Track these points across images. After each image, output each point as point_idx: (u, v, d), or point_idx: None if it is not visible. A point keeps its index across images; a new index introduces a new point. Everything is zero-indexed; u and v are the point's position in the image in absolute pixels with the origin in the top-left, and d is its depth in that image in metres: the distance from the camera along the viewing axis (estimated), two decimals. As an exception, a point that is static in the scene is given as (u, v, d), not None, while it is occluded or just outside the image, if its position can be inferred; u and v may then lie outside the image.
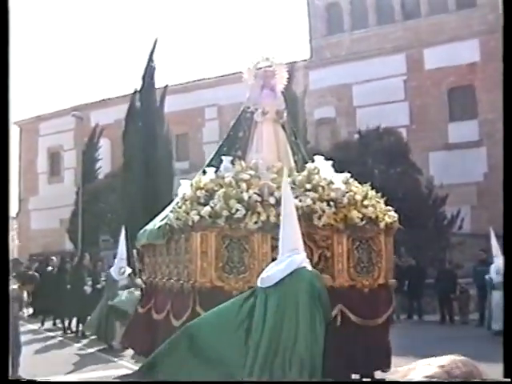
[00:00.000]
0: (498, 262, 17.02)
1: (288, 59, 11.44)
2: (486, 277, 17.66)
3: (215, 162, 10.31)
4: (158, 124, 31.23)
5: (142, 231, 11.73)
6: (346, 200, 9.36)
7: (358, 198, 9.52)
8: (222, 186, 9.21)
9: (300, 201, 9.00)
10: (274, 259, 7.78)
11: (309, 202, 9.04)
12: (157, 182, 28.64)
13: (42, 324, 20.79)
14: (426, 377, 1.80)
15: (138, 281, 15.19)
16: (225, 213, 8.84)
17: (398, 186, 22.48)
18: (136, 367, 12.82)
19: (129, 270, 16.05)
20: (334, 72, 35.32)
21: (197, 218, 8.86)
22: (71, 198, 36.11)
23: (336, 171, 10.04)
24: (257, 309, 6.83)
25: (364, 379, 9.58)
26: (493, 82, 30.10)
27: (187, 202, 9.25)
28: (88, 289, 18.54)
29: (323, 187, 9.37)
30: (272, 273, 6.88)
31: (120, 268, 16.02)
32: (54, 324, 20.69)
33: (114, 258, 17.16)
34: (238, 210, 8.85)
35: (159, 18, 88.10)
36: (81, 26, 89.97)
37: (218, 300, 8.64)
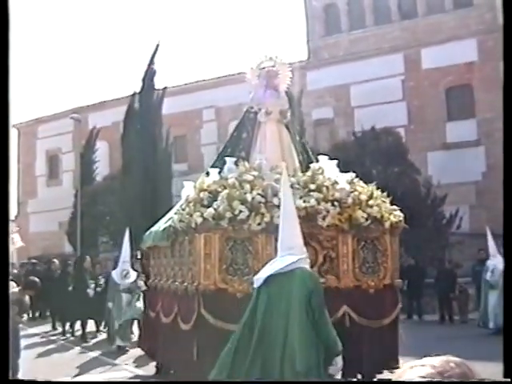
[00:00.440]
0: (495, 261, 17.06)
1: (286, 60, 11.35)
2: (486, 277, 17.65)
3: (219, 164, 10.29)
4: (157, 126, 31.25)
5: (147, 233, 11.72)
6: (350, 200, 9.34)
7: (363, 197, 9.50)
8: (225, 188, 9.17)
9: (304, 201, 8.98)
10: None
11: (313, 202, 9.01)
12: (155, 184, 28.66)
13: (54, 327, 20.77)
14: (419, 377, 1.79)
15: (140, 283, 15.19)
16: (228, 214, 8.82)
17: (396, 185, 22.45)
18: (138, 371, 12.91)
19: (133, 273, 15.85)
20: (331, 72, 35.34)
21: (200, 219, 8.84)
22: (70, 201, 36.11)
23: (339, 171, 10.01)
24: (248, 308, 6.80)
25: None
26: (490, 81, 30.17)
27: (190, 204, 9.23)
28: (91, 291, 18.44)
29: (327, 187, 9.34)
30: (263, 272, 6.80)
31: (123, 271, 15.79)
32: (54, 327, 20.67)
33: (116, 260, 17.01)
34: (241, 211, 8.83)
35: (156, 20, 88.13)
36: (79, 29, 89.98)
37: (222, 302, 8.67)
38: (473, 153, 31.46)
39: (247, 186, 9.05)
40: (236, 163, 9.84)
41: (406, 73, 34.15)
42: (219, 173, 9.85)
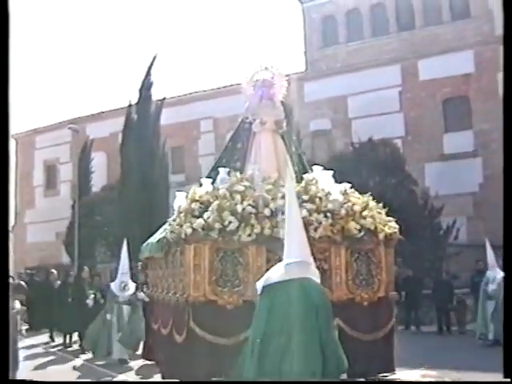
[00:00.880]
0: (494, 272, 17.06)
1: (282, 70, 11.31)
2: (486, 288, 17.59)
3: (214, 174, 10.22)
4: (155, 137, 31.31)
5: (145, 244, 11.70)
6: (343, 211, 9.24)
7: (357, 208, 9.39)
8: (217, 198, 9.10)
9: None
10: None
11: (304, 213, 8.84)
12: (153, 194, 28.70)
13: (52, 338, 20.63)
14: None
15: (141, 295, 15.10)
16: (217, 225, 8.75)
17: (393, 197, 22.47)
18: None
19: (132, 285, 15.63)
20: (329, 84, 35.39)
21: (189, 230, 8.78)
22: (67, 211, 36.10)
23: (335, 182, 9.93)
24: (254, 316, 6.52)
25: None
26: (488, 92, 30.27)
27: (181, 215, 9.19)
28: (90, 302, 18.28)
29: (320, 198, 9.27)
30: (261, 280, 6.54)
31: (121, 283, 15.45)
32: (52, 338, 20.60)
33: (114, 272, 16.78)
34: (230, 222, 8.76)
35: (154, 30, 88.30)
36: (77, 40, 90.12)
37: (212, 314, 8.57)
38: (470, 164, 31.49)
39: (238, 197, 8.99)
40: (229, 174, 9.78)
41: (403, 84, 34.20)
42: (212, 183, 9.80)
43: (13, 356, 10.14)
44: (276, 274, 6.38)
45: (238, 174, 9.61)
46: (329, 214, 9.15)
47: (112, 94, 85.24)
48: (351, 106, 35.07)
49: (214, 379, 7.79)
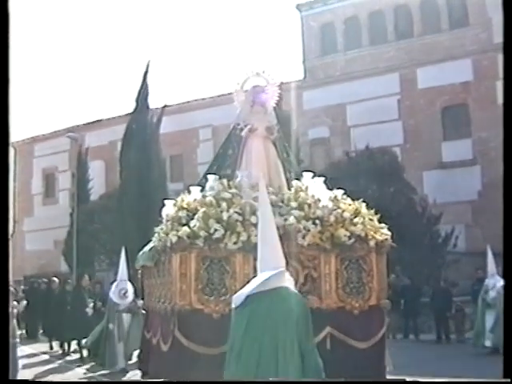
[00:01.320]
0: (494, 279, 17.03)
1: (282, 79, 11.21)
2: (485, 296, 17.53)
3: (204, 181, 10.08)
4: (153, 145, 31.34)
5: (140, 253, 11.67)
6: (332, 218, 9.10)
7: (347, 215, 9.23)
8: (205, 206, 9.01)
9: (285, 219, 8.80)
10: None
11: (292, 220, 8.77)
12: (151, 203, 28.65)
13: (51, 347, 20.52)
14: None
15: (141, 302, 15.06)
16: (203, 233, 8.62)
17: (392, 204, 22.49)
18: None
19: (132, 292, 15.60)
20: (327, 92, 35.43)
21: (175, 238, 8.67)
22: (66, 220, 36.07)
23: (330, 189, 9.75)
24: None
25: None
26: (486, 100, 30.31)
27: (168, 223, 9.12)
28: (90, 310, 18.21)
29: (309, 205, 9.13)
30: (240, 292, 6.18)
31: (121, 290, 15.45)
32: (51, 347, 20.52)
33: (113, 280, 16.68)
34: (216, 230, 8.62)
35: (153, 39, 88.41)
36: (76, 48, 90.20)
37: (198, 323, 8.47)
38: (468, 172, 31.49)
39: (224, 205, 8.86)
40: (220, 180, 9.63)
41: (401, 92, 34.24)
42: (202, 191, 9.70)
43: (12, 363, 10.12)
44: (254, 284, 6.14)
45: (225, 181, 9.47)
46: (317, 221, 9.00)
47: (111, 102, 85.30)
48: (350, 114, 35.10)
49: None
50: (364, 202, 9.79)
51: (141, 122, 31.54)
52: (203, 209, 8.90)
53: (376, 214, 9.79)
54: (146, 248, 11.02)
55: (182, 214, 9.07)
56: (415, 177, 29.83)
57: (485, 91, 30.95)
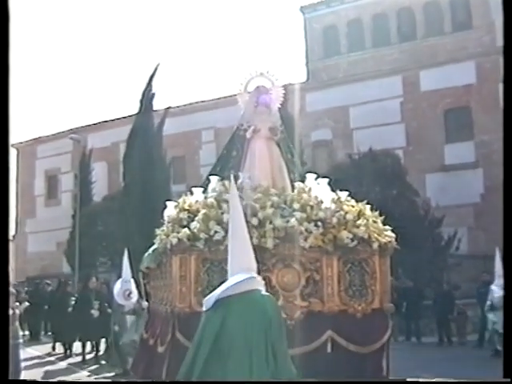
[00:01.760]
0: (500, 282, 16.97)
1: (285, 81, 11.14)
2: (492, 299, 17.48)
3: (208, 183, 9.97)
4: (156, 147, 31.36)
5: (146, 254, 11.62)
6: (335, 220, 8.97)
7: (350, 217, 9.09)
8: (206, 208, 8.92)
9: (287, 221, 8.70)
10: None
11: (293, 222, 8.66)
12: (154, 204, 28.64)
13: (54, 349, 20.48)
14: None
15: (145, 303, 15.03)
16: (203, 235, 8.54)
17: (394, 207, 22.45)
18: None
19: (136, 293, 15.53)
20: (330, 94, 35.43)
21: (175, 240, 8.59)
22: (68, 221, 36.11)
23: (333, 191, 9.60)
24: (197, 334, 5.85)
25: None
26: (489, 103, 30.28)
27: (169, 225, 9.07)
28: (95, 312, 18.16)
29: (312, 207, 9.01)
30: (211, 295, 5.90)
31: (125, 291, 15.20)
32: (54, 348, 20.51)
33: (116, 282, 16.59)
34: (216, 231, 8.52)
35: (156, 41, 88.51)
36: (79, 49, 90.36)
37: (198, 326, 8.43)
38: (471, 175, 31.48)
39: (225, 206, 8.68)
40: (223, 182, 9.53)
41: (404, 95, 34.23)
42: (204, 192, 9.62)
43: (13, 365, 10.13)
44: (226, 287, 5.97)
45: (227, 182, 9.28)
46: (320, 223, 8.88)
47: (113, 103, 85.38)
48: (352, 117, 35.09)
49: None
50: (368, 203, 9.67)
51: (145, 124, 31.58)
52: (204, 210, 8.83)
53: (384, 217, 9.67)
54: (151, 249, 11.00)
55: (183, 215, 8.99)
56: (418, 179, 29.79)
57: (488, 94, 30.93)
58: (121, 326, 15.19)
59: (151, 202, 28.40)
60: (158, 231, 9.68)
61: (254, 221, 8.56)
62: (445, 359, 16.84)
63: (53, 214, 43.47)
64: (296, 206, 9.00)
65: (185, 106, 40.28)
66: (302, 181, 9.86)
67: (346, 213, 9.14)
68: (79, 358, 18.21)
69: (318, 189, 9.49)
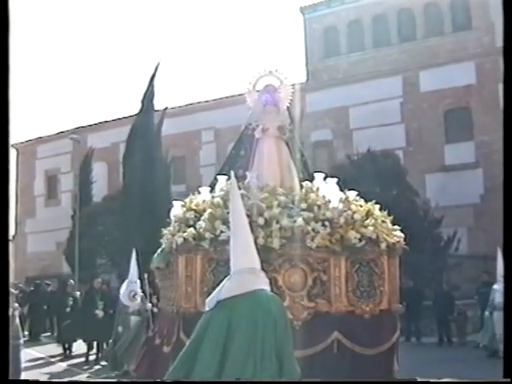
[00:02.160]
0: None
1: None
2: (494, 300, 17.48)
3: (215, 183, 9.87)
4: (156, 147, 31.35)
5: (155, 254, 11.57)
6: (342, 219, 8.83)
7: (357, 217, 8.97)
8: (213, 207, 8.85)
9: (294, 221, 8.59)
10: None
11: (300, 222, 8.56)
12: (154, 205, 28.65)
13: (65, 351, 20.06)
14: None
15: (149, 305, 15.02)
16: (208, 235, 8.47)
17: (394, 207, 22.42)
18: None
19: (140, 294, 15.39)
20: (330, 95, 35.42)
21: (180, 240, 8.55)
22: (68, 221, 36.07)
23: (341, 190, 9.47)
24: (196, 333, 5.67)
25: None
26: (489, 103, 30.31)
27: (175, 224, 9.00)
28: (100, 313, 18.16)
29: (319, 206, 8.89)
30: (214, 294, 5.74)
31: (130, 292, 15.24)
32: (65, 349, 20.38)
33: (121, 282, 16.54)
34: (222, 231, 8.40)
35: (156, 42, 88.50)
36: (79, 49, 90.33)
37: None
38: (471, 175, 31.50)
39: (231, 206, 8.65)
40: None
41: (404, 95, 34.25)
42: (211, 192, 9.54)
43: (13, 366, 10.13)
44: (230, 286, 5.84)
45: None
46: (327, 223, 8.75)
47: (113, 104, 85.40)
48: (352, 117, 35.10)
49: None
50: (376, 202, 9.57)
51: (145, 124, 31.55)
52: (210, 210, 8.76)
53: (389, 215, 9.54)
54: (159, 249, 10.96)
55: (190, 215, 8.93)
56: (418, 180, 29.81)
57: (487, 94, 30.96)
58: (124, 327, 15.18)
59: (151, 202, 28.41)
60: (164, 231, 9.57)
61: (261, 220, 8.48)
62: (445, 360, 16.85)
63: (52, 214, 43.45)
64: (303, 205, 8.90)
65: (185, 106, 40.29)
66: (311, 180, 9.73)
67: (354, 212, 9.03)
68: (79, 359, 18.22)
69: (326, 188, 9.37)
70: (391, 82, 34.15)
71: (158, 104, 33.02)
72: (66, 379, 15.43)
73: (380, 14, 36.66)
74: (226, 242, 7.96)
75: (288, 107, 10.67)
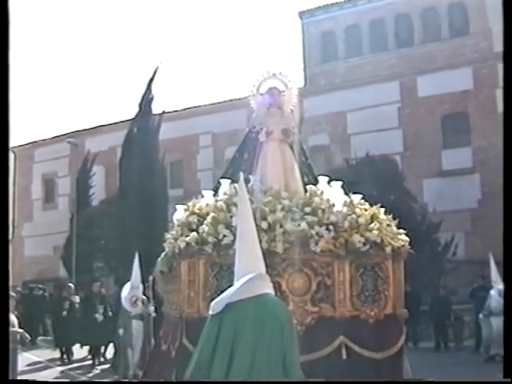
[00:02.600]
0: (499, 286, 16.98)
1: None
2: (491, 304, 17.49)
3: (219, 186, 9.71)
4: (154, 151, 31.36)
5: (159, 258, 11.51)
6: (347, 223, 8.77)
7: (362, 220, 8.89)
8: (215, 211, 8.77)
9: (298, 225, 8.52)
10: None
11: (303, 226, 8.47)
12: (151, 209, 28.66)
13: (62, 356, 19.99)
14: None
15: (151, 309, 14.96)
16: (211, 239, 8.38)
17: (391, 212, 22.43)
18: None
19: (142, 299, 15.31)
20: (328, 99, 35.42)
21: (183, 244, 8.49)
22: (65, 225, 36.05)
23: (346, 194, 9.40)
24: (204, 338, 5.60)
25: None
26: (486, 109, 30.36)
27: (178, 228, 8.93)
28: (99, 316, 18.12)
29: (323, 210, 8.79)
30: (221, 298, 5.66)
31: (132, 297, 15.08)
32: (66, 353, 20.32)
33: (122, 286, 16.45)
34: (225, 235, 8.33)
35: (154, 46, 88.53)
36: (77, 53, 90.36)
37: None
38: (468, 180, 31.54)
39: (234, 209, 8.42)
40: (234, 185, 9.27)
41: (402, 100, 34.29)
42: (215, 195, 9.44)
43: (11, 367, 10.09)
44: (237, 291, 5.78)
45: (236, 185, 8.93)
46: (331, 227, 8.66)
47: (111, 108, 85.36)
48: (350, 122, 35.11)
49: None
50: (381, 206, 9.48)
51: (143, 128, 31.57)
52: (212, 214, 8.68)
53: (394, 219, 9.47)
54: (163, 253, 10.92)
55: (193, 219, 8.86)
56: (415, 185, 29.82)
57: (485, 100, 31.01)
58: (126, 330, 15.12)
59: (148, 206, 28.42)
60: (167, 235, 9.48)
61: (264, 224, 8.40)
62: (441, 364, 16.85)
63: (50, 218, 43.42)
64: (307, 209, 8.82)
65: (183, 110, 40.26)
66: (315, 184, 9.63)
67: (359, 216, 8.96)
68: (78, 364, 18.21)
69: (331, 192, 9.30)
70: (389, 87, 34.18)
71: (156, 108, 33.08)
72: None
73: (378, 20, 36.74)
74: (229, 246, 8.08)
75: (292, 110, 10.57)
